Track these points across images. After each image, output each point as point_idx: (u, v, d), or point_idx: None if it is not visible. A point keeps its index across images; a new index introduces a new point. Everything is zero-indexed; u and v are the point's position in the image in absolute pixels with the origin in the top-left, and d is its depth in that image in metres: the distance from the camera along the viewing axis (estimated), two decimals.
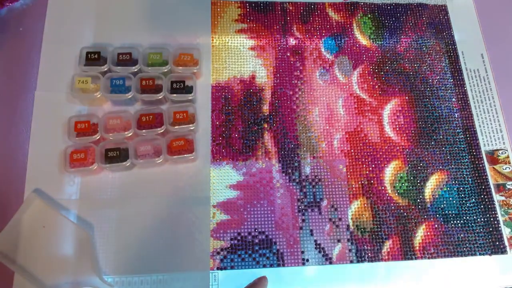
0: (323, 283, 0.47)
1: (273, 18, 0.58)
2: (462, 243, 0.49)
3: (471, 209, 0.51)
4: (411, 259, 0.49)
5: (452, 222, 0.50)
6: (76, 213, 0.46)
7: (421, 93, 0.56)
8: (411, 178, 0.52)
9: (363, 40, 0.58)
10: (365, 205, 0.50)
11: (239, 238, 0.48)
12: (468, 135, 0.55)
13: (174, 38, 0.54)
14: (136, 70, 0.50)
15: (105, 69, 0.50)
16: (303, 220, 0.49)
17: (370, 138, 0.53)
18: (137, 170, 0.49)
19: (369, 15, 0.59)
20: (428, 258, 0.49)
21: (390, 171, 0.52)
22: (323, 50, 0.57)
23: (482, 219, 0.51)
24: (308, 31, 0.58)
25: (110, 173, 0.48)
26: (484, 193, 0.52)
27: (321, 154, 0.52)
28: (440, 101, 0.56)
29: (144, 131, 0.48)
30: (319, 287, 0.47)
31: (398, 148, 0.53)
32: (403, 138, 0.54)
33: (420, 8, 0.60)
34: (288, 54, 0.56)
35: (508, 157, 0.54)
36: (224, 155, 0.51)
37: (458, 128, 0.55)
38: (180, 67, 0.51)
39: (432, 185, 0.52)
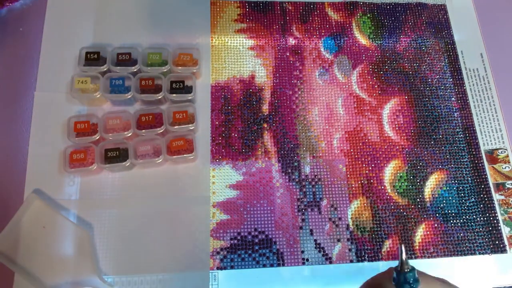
0: (323, 282, 0.47)
1: (272, 18, 0.58)
2: (462, 243, 0.50)
3: (470, 208, 0.51)
4: (411, 258, 0.49)
5: (451, 221, 0.50)
6: (76, 213, 0.46)
7: (421, 92, 0.56)
8: (411, 177, 0.52)
9: (363, 40, 0.58)
10: (365, 204, 0.50)
11: (239, 238, 0.48)
12: (467, 135, 0.55)
13: (173, 38, 0.55)
14: (135, 70, 0.50)
15: (105, 69, 0.50)
16: (303, 220, 0.49)
17: (369, 137, 0.53)
18: (137, 170, 0.49)
19: (369, 15, 0.59)
20: (428, 257, 0.49)
21: (389, 171, 0.52)
22: (322, 49, 0.57)
23: (481, 218, 0.51)
24: (307, 31, 0.58)
25: (110, 173, 0.48)
26: (484, 192, 0.52)
27: (320, 154, 0.52)
28: (439, 100, 0.56)
29: (143, 131, 0.48)
30: (319, 286, 0.47)
31: (397, 147, 0.53)
32: (402, 137, 0.54)
33: (419, 8, 0.60)
34: (288, 54, 0.56)
35: (507, 156, 0.54)
36: (224, 155, 0.51)
37: (458, 127, 0.55)
38: (180, 67, 0.51)
39: (431, 184, 0.52)
